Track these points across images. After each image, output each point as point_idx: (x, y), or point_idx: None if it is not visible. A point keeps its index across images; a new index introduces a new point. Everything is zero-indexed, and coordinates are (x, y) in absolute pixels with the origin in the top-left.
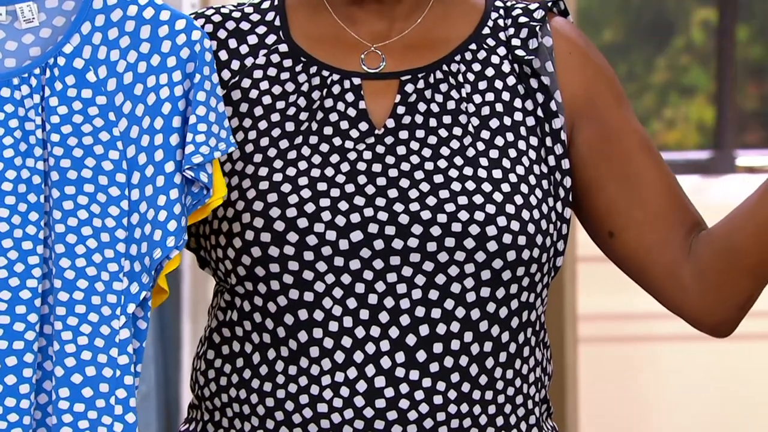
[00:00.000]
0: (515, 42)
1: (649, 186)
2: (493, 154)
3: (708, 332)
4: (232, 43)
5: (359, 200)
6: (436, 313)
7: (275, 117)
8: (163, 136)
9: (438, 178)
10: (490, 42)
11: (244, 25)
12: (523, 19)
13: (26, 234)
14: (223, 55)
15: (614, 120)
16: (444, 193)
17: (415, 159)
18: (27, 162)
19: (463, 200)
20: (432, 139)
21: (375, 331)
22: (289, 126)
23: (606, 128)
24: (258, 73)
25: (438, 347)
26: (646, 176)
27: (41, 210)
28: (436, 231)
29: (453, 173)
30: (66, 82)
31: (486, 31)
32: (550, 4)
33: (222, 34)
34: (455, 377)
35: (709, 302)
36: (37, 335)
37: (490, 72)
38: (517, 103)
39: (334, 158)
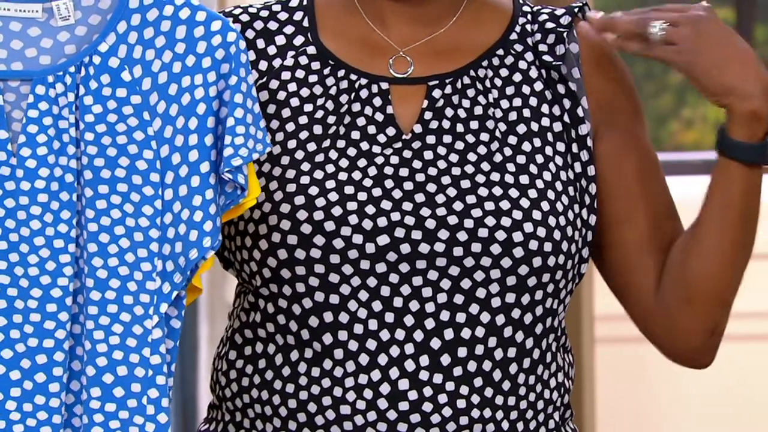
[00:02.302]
0: (542, 47)
1: (651, 210)
2: (520, 159)
3: (682, 363)
4: (260, 44)
5: (386, 204)
6: (461, 317)
7: (303, 120)
8: (197, 136)
9: (465, 183)
10: (518, 47)
11: (272, 25)
12: (549, 25)
13: (58, 232)
14: (251, 55)
15: (631, 136)
16: (471, 198)
17: (442, 164)
18: (60, 160)
19: (489, 206)
20: (459, 145)
21: (400, 334)
22: (317, 129)
23: (623, 142)
24: (286, 75)
25: (462, 351)
26: (651, 200)
27: (73, 208)
28: (462, 236)
29: (480, 178)
30: (101, 80)
31: (513, 36)
32: (576, 9)
33: (250, 34)
34: (478, 382)
35: (676, 331)
36: (67, 334)
37: (517, 77)
38: (545, 108)
39: (362, 162)
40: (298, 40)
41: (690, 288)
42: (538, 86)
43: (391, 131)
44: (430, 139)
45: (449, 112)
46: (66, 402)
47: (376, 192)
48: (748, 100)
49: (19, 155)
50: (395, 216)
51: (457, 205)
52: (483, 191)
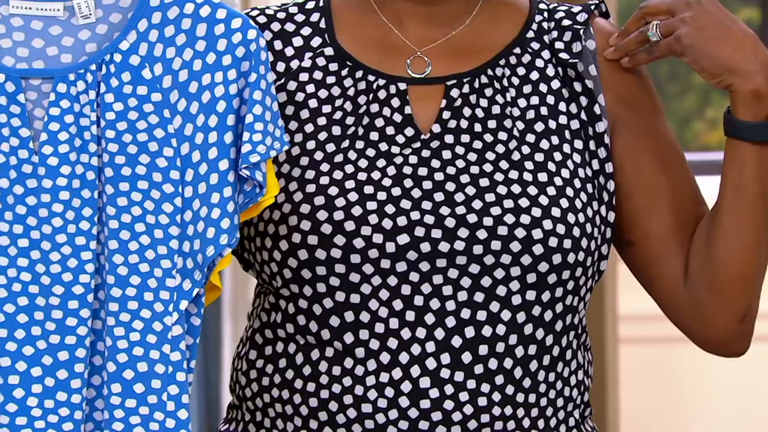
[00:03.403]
0: (559, 45)
1: (674, 201)
2: (539, 157)
3: (715, 352)
4: (278, 45)
5: (405, 204)
6: (481, 315)
7: (321, 121)
8: (217, 133)
9: (484, 182)
10: (535, 45)
11: (289, 27)
12: (566, 22)
13: (79, 229)
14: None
15: (650, 129)
16: (490, 197)
17: (460, 163)
18: (81, 158)
19: (509, 204)
20: (477, 144)
21: (420, 332)
22: (336, 130)
23: (642, 136)
24: (304, 76)
25: (483, 349)
26: (674, 191)
27: (95, 206)
28: (482, 234)
29: (498, 177)
30: (122, 78)
31: (530, 34)
32: (592, 6)
33: (267, 35)
34: (500, 379)
35: (706, 318)
36: (89, 331)
37: (534, 76)
38: (562, 106)
39: (381, 162)
40: (316, 42)
41: (714, 273)
42: (555, 84)
43: (409, 131)
44: (449, 139)
45: (467, 111)
46: (87, 397)
47: (396, 191)
48: (749, 78)
49: (41, 153)
50: (415, 215)
51: (477, 204)
52: (502, 189)
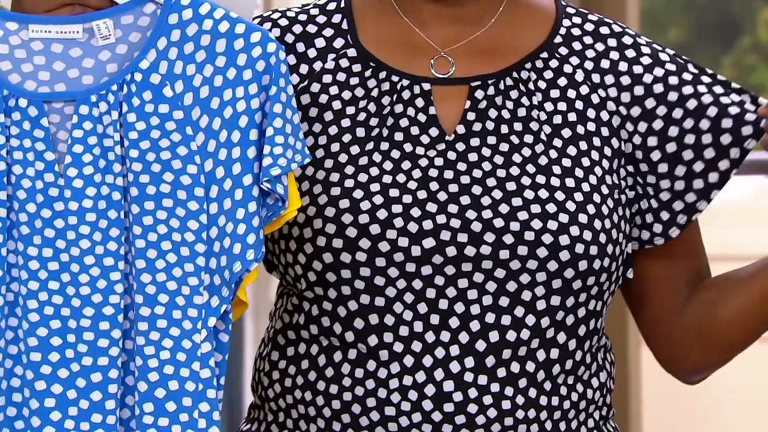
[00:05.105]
0: (589, 53)
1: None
2: (566, 162)
3: (672, 374)
4: (300, 47)
5: (431, 207)
6: (506, 320)
7: (345, 122)
8: (240, 149)
9: (510, 186)
10: (563, 51)
11: (311, 29)
12: (598, 47)
13: (107, 250)
14: (291, 59)
15: None
16: (517, 201)
17: (486, 166)
18: (107, 178)
19: (536, 209)
20: (503, 146)
21: (445, 336)
22: (360, 132)
23: None
24: (327, 78)
25: (507, 353)
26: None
27: (122, 226)
28: (508, 239)
29: (525, 181)
30: (143, 97)
31: (558, 39)
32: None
33: (289, 38)
34: (523, 383)
35: (682, 353)
36: (120, 351)
37: (562, 81)
38: (590, 113)
39: (406, 165)
40: (338, 43)
41: (710, 328)
42: (584, 90)
43: (434, 132)
44: (474, 141)
45: (492, 113)
46: (122, 417)
47: (421, 194)
48: None
49: (66, 176)
50: (441, 219)
51: (503, 208)
52: (529, 194)
